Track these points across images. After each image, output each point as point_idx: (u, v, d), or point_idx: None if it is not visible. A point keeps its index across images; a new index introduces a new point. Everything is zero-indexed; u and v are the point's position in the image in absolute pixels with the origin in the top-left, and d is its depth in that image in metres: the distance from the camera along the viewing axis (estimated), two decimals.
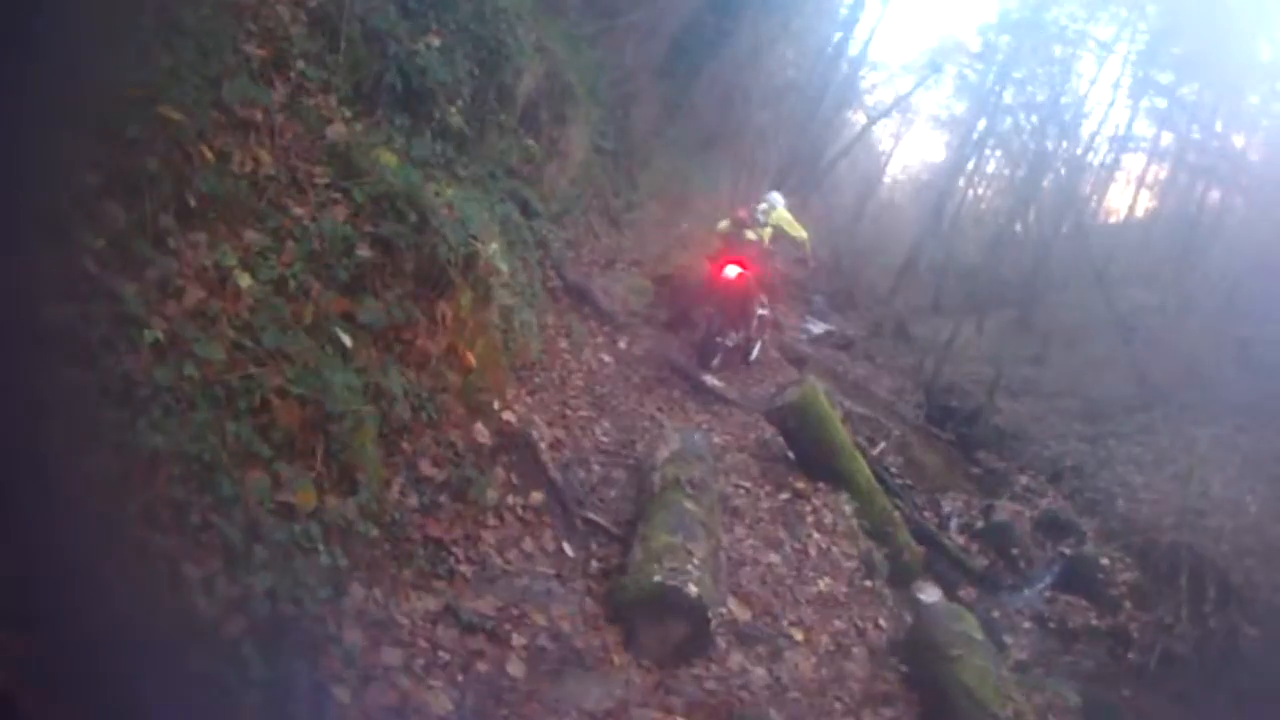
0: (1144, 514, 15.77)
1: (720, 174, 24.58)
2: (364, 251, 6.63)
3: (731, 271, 14.60)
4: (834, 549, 10.53)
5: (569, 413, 11.01)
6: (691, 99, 23.09)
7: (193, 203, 5.33)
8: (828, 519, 11.04)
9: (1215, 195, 28.16)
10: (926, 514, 14.65)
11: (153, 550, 4.12)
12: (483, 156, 10.93)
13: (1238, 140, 25.87)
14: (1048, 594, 13.72)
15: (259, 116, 6.31)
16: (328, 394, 5.43)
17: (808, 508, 11.08)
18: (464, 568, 6.86)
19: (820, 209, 34.28)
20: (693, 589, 7.27)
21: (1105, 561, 14.20)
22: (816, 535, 10.62)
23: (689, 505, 8.60)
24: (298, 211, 6.36)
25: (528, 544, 7.74)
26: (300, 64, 7.27)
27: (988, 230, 32.94)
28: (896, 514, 12.47)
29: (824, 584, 9.67)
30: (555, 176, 14.39)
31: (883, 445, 16.16)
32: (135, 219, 4.86)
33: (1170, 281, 24.71)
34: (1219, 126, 26.15)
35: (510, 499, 7.96)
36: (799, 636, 8.42)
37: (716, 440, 12.27)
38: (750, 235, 15.14)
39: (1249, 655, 12.06)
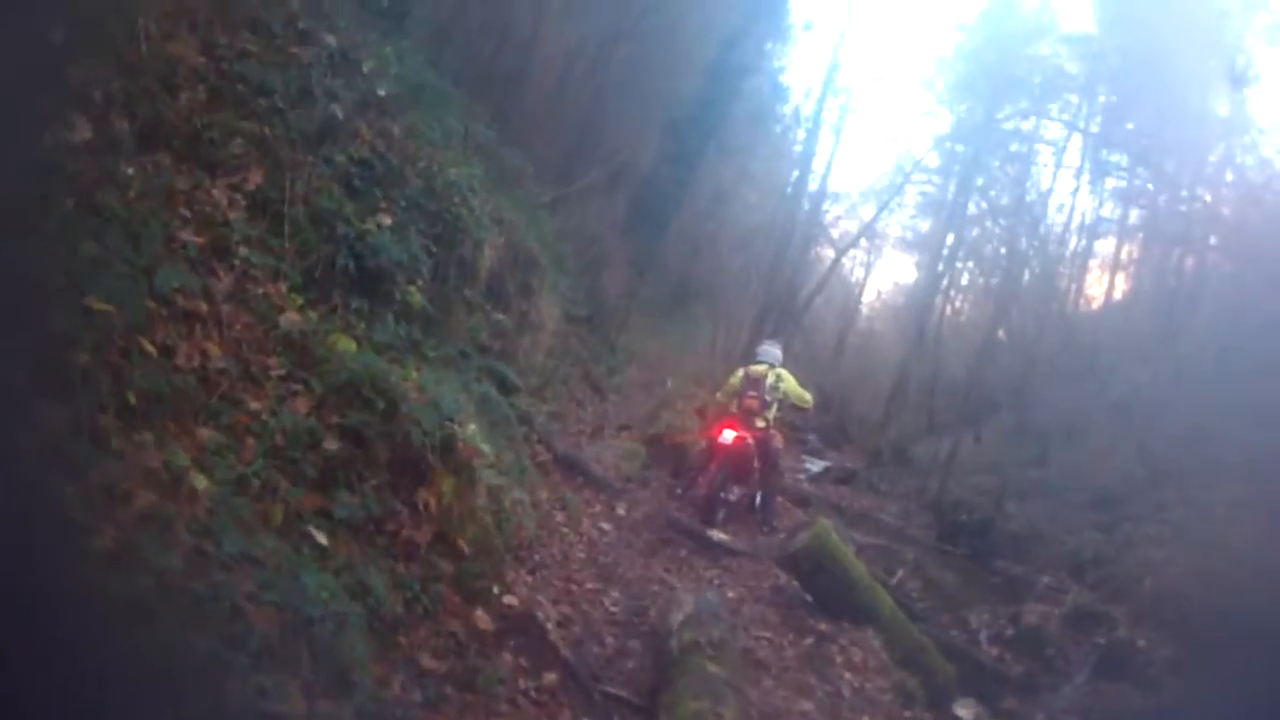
0: (1171, 587, 15.52)
1: (698, 327, 24.73)
2: (331, 444, 6.25)
3: (728, 436, 14.24)
4: (867, 685, 10.06)
5: (574, 587, 10.48)
6: (660, 255, 23.10)
7: (133, 400, 4.91)
8: (857, 657, 10.58)
9: (1190, 261, 28.21)
10: (954, 632, 14.12)
11: None
12: (450, 335, 10.36)
13: (1206, 197, 25.73)
14: (1088, 687, 13.12)
15: (203, 307, 5.94)
16: (303, 597, 4.97)
17: (834, 648, 10.63)
18: None
19: (801, 347, 34.17)
20: None
21: (1142, 643, 13.86)
22: (848, 675, 10.16)
23: (711, 667, 8.10)
24: (254, 406, 5.98)
25: None
26: (243, 250, 6.84)
27: (971, 342, 32.52)
28: (925, 639, 11.98)
29: None
30: (530, 349, 14.14)
31: (900, 573, 15.77)
32: (71, 419, 4.47)
33: (1159, 355, 24.40)
34: (1184, 192, 26.01)
35: (522, 683, 7.44)
36: None
37: (731, 594, 11.75)
38: (759, 422, 14.77)
39: None
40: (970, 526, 20.25)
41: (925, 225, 40.52)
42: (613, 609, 10.42)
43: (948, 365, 32.08)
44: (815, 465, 26.53)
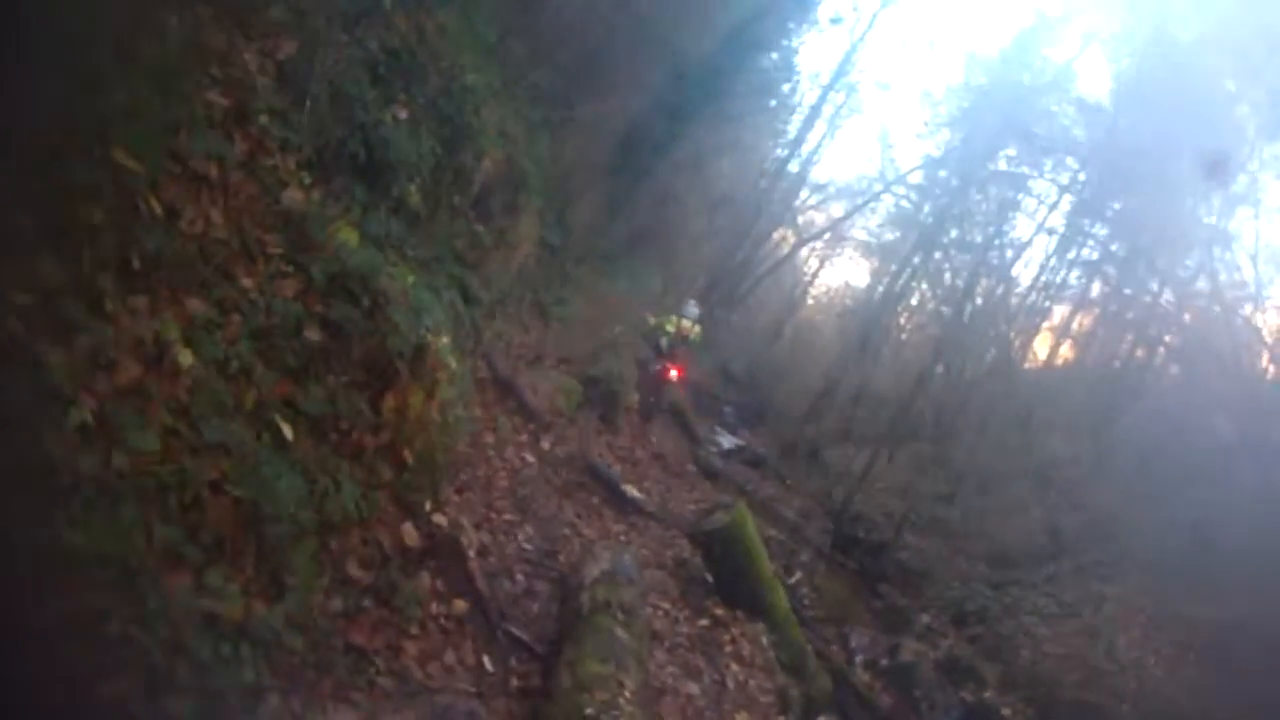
0: (1048, 667, 15.74)
1: (649, 278, 24.04)
2: (313, 334, 6.08)
3: (673, 374, 19.11)
4: (751, 682, 10.10)
5: (494, 516, 10.33)
6: (632, 201, 22.59)
7: (136, 263, 4.70)
8: (746, 650, 10.61)
9: (1140, 352, 28.31)
10: (835, 648, 14.33)
11: (66, 665, 3.52)
12: (432, 239, 10.04)
13: (1170, 296, 25.74)
14: None
15: (214, 172, 5.67)
16: (268, 496, 4.78)
17: (726, 636, 10.65)
18: (384, 680, 6.26)
19: (741, 324, 34.27)
20: None
21: (1007, 713, 14.27)
22: (735, 667, 10.18)
23: (620, 632, 8.02)
24: (246, 283, 5.77)
25: (449, 657, 7.13)
26: (263, 119, 6.60)
27: (908, 362, 32.47)
28: (809, 646, 12.16)
29: (741, 719, 9.28)
30: (500, 267, 13.80)
31: (798, 575, 16.05)
32: (70, 276, 4.22)
33: (1089, 434, 24.47)
34: (1155, 285, 26.01)
35: (435, 607, 7.37)
36: None
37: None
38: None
39: None
40: (865, 544, 20.66)
41: (891, 236, 40.01)
42: (526, 545, 10.28)
43: (878, 379, 32.03)
44: (727, 440, 26.38)
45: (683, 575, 11.85)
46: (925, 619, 17.80)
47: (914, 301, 37.37)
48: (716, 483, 18.90)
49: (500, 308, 14.77)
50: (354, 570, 6.48)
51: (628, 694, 7.08)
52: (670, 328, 19.15)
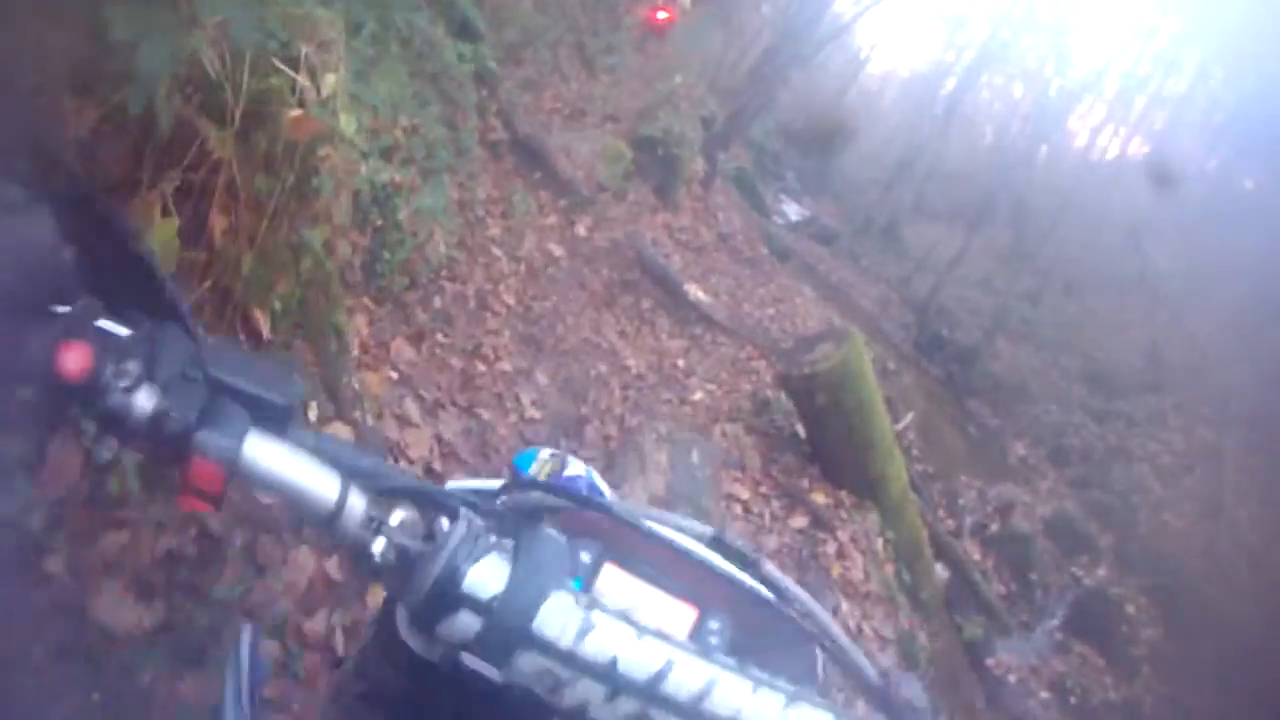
0: (1169, 546, 12.77)
1: (709, 34, 19.40)
2: None
3: (661, 15, 16.98)
4: (867, 627, 6.55)
5: (481, 364, 6.07)
6: None
7: None
8: (858, 568, 6.85)
9: None
10: (941, 511, 11.05)
11: None
12: None
13: None
14: (1059, 636, 10.81)
15: None
16: None
17: (832, 546, 6.82)
18: None
19: (804, 84, 29.55)
20: None
21: (1131, 610, 11.31)
22: (845, 604, 6.53)
23: None
24: None
25: None
26: None
27: (984, 141, 28.04)
28: (924, 531, 8.64)
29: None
30: None
31: (909, 418, 11.60)
32: None
33: (1198, 248, 19.87)
34: None
35: None
36: None
37: (697, 395, 8.16)
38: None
39: None
40: (952, 348, 16.68)
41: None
42: (534, 412, 6.19)
43: (951, 155, 27.30)
44: (793, 210, 22.26)
45: (766, 430, 7.91)
46: (1020, 449, 14.57)
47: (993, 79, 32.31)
48: (788, 265, 14.86)
49: (528, 51, 11.03)
50: None
51: None
52: None
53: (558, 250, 8.54)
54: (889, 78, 43.49)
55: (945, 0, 36.45)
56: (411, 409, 4.83)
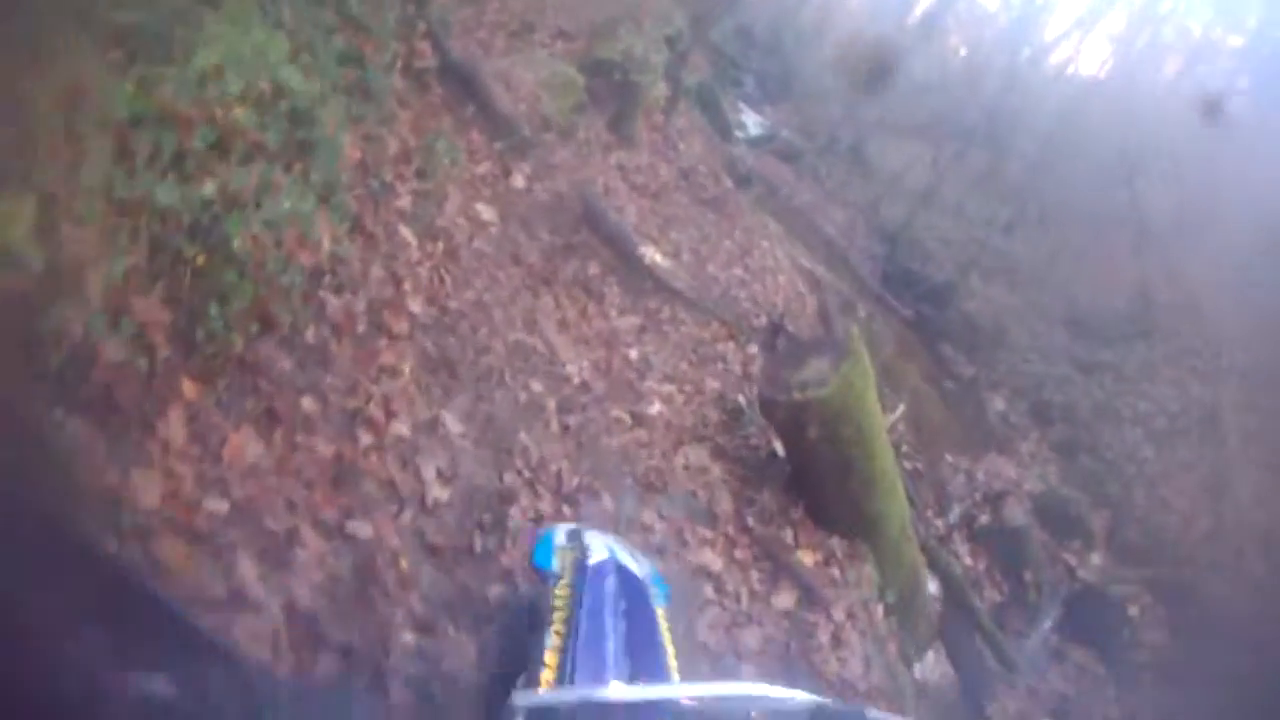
0: (1169, 527, 11.44)
1: None
2: None
3: None
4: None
5: (366, 435, 4.19)
6: None
7: None
8: (855, 662, 5.44)
9: None
10: (930, 514, 9.71)
11: None
12: None
13: None
14: (1055, 640, 9.59)
15: None
16: None
17: (826, 632, 5.41)
18: None
19: None
20: None
21: (1133, 612, 10.02)
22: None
23: None
24: None
25: None
26: None
27: (954, 48, 26.47)
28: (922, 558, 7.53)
29: None
30: None
31: (900, 410, 9.89)
32: None
33: (1187, 179, 18.45)
34: None
35: None
36: None
37: (655, 406, 6.53)
38: None
39: None
40: (923, 285, 15.22)
41: None
42: (438, 494, 4.36)
43: (919, 63, 25.47)
44: (753, 121, 20.35)
45: (738, 453, 6.39)
46: (999, 403, 13.29)
47: None
48: (752, 195, 13.23)
49: None
50: None
51: None
52: None
53: (488, 213, 6.79)
54: None
55: None
56: (246, 570, 3.07)
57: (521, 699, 1.67)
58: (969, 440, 11.70)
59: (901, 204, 17.20)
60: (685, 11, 13.53)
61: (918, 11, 27.33)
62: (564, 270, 7.12)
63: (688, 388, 6.82)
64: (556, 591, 2.34)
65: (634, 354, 6.82)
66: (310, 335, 4.16)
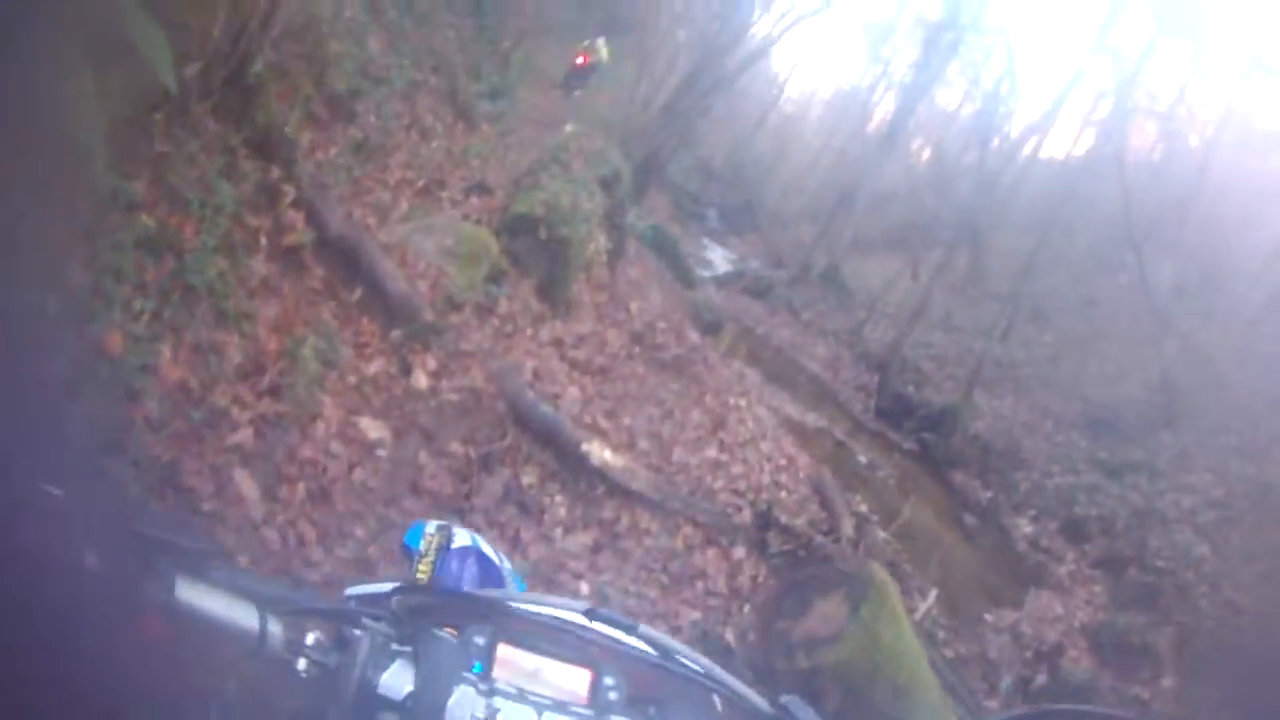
0: (1246, 634, 9.94)
1: (620, 65, 17.33)
2: None
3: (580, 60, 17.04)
4: None
5: None
6: None
7: None
8: None
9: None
10: (970, 668, 8.13)
11: None
12: None
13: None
14: None
15: None
16: None
17: None
18: None
19: (723, 113, 27.12)
20: None
21: None
22: None
23: None
24: None
25: None
26: None
27: (917, 153, 25.83)
28: None
29: None
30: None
31: (933, 596, 8.35)
32: None
33: (1183, 245, 17.19)
34: None
35: None
36: None
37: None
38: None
39: None
40: (920, 410, 14.06)
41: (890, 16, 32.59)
42: None
43: (884, 174, 24.46)
44: (719, 257, 20.11)
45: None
46: (1026, 528, 12.08)
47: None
48: (721, 333, 12.66)
49: (363, 100, 7.69)
50: None
51: None
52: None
53: (376, 429, 5.27)
54: (810, 99, 41.40)
55: (868, 10, 34.89)
56: None
57: (352, 589, 1.46)
58: (1002, 583, 10.50)
59: (885, 325, 16.48)
60: (628, 151, 12.42)
61: (876, 120, 26.76)
62: (488, 488, 5.66)
63: (659, 626, 5.29)
64: (419, 566, 2.08)
65: (585, 587, 5.33)
66: None
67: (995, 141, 22.06)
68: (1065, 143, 25.45)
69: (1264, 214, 16.91)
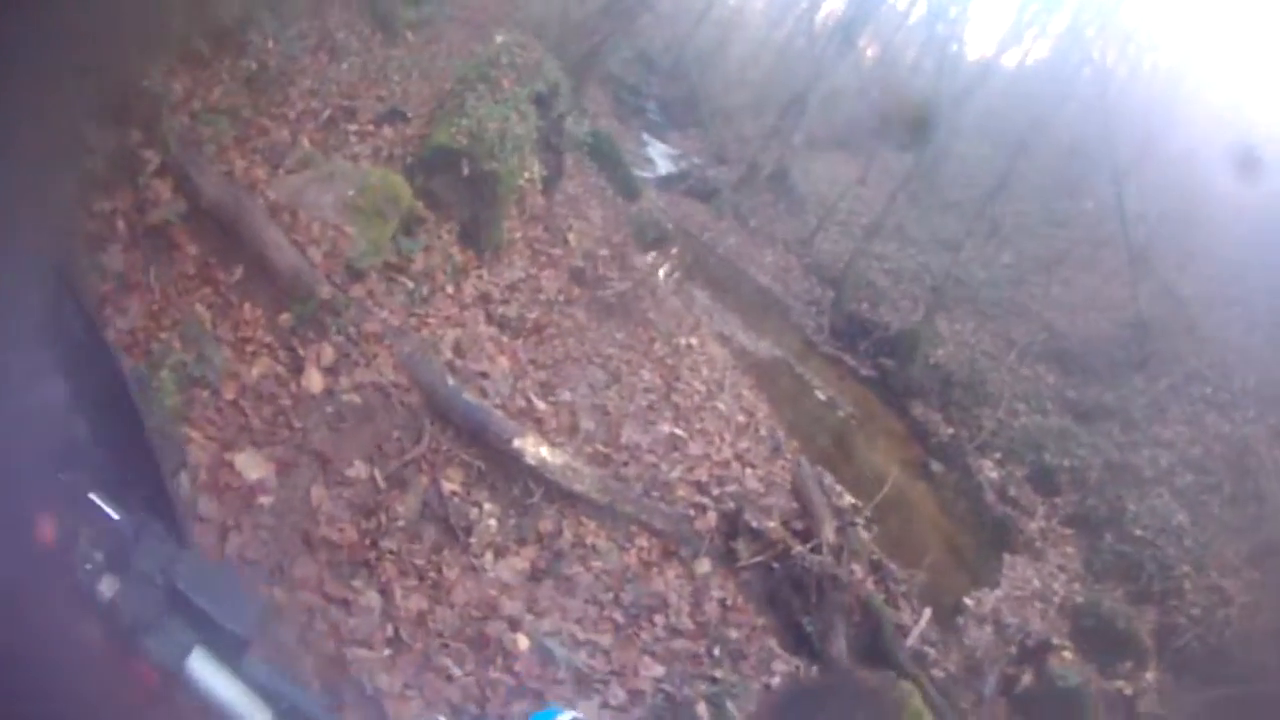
0: (1233, 627, 9.27)
1: None
2: None
3: None
4: None
5: None
6: None
7: None
8: None
9: None
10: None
11: None
12: None
13: None
14: None
15: None
16: None
17: None
18: None
19: (666, 5, 25.81)
20: None
21: None
22: None
23: None
24: None
25: None
26: None
27: (864, 50, 24.61)
28: None
29: None
30: None
31: (925, 615, 7.36)
32: None
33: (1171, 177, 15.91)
34: None
35: None
36: None
37: None
38: None
39: None
40: (877, 331, 13.08)
41: None
42: None
43: (832, 70, 23.22)
44: (661, 155, 18.80)
45: None
46: (993, 472, 11.25)
47: None
48: (665, 248, 10.85)
49: (258, 28, 6.46)
50: None
51: None
52: None
53: (257, 466, 4.03)
54: None
55: None
56: None
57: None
58: (975, 543, 10.02)
59: (836, 233, 15.60)
60: (565, 49, 11.06)
61: (823, 11, 25.43)
62: (400, 509, 4.49)
63: (613, 690, 4.24)
64: None
65: (522, 641, 4.19)
66: None
67: (953, 46, 21.58)
68: (1024, 49, 24.21)
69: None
